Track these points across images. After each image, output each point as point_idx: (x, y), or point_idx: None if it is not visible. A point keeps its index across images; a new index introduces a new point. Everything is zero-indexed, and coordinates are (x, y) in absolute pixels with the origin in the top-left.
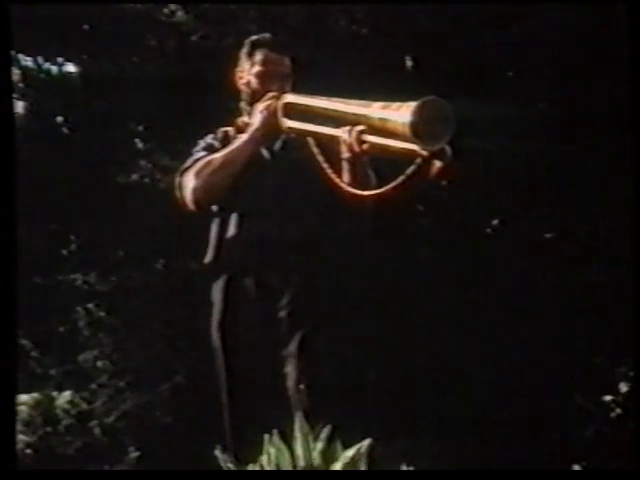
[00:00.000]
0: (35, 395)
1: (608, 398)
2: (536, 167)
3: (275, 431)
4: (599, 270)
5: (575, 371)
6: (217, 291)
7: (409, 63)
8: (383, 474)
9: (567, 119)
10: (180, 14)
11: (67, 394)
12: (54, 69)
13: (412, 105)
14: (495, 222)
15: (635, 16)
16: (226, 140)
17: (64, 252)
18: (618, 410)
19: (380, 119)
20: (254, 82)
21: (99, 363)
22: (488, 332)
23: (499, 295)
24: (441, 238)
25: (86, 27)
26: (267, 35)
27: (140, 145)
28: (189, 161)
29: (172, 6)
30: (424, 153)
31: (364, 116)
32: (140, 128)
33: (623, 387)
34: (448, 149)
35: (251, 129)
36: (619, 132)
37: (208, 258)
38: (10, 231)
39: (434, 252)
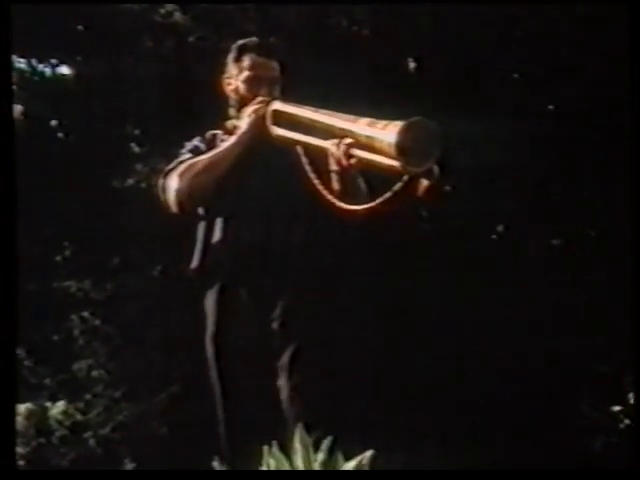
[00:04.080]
0: (28, 405)
1: (617, 408)
2: (542, 171)
3: (275, 442)
4: (608, 277)
5: (582, 381)
6: (210, 301)
7: (412, 65)
8: (383, 474)
9: (575, 123)
10: (177, 15)
11: (61, 404)
12: (48, 71)
13: (399, 125)
14: (500, 228)
15: (635, 16)
16: (213, 143)
17: (58, 258)
18: (627, 421)
19: (367, 136)
20: (242, 88)
21: (94, 372)
22: (493, 341)
23: (504, 302)
24: (445, 244)
25: (80, 28)
26: (254, 39)
27: (136, 149)
28: (173, 163)
29: (169, 7)
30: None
31: (350, 131)
32: (136, 132)
33: (632, 397)
34: (436, 168)
35: (238, 132)
36: (627, 136)
37: (194, 263)
38: (9, 239)
39: (437, 259)
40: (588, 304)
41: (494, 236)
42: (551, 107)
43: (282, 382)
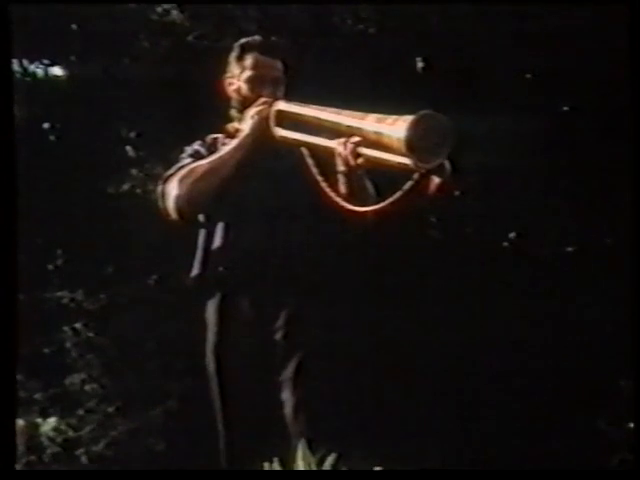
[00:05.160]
0: (18, 421)
1: (634, 425)
2: (555, 177)
3: (276, 459)
4: (626, 288)
5: (598, 395)
6: (211, 312)
7: (420, 64)
8: (387, 473)
9: (588, 128)
10: (174, 13)
11: (52, 420)
12: (40, 72)
13: (408, 119)
14: (512, 235)
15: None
16: (214, 147)
17: (50, 267)
18: None
19: (375, 132)
20: (244, 88)
21: (87, 387)
22: (506, 353)
23: (517, 313)
24: (454, 252)
25: (74, 27)
26: (257, 37)
27: (131, 153)
28: (173, 168)
29: (166, 5)
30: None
31: (358, 129)
32: (132, 135)
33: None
34: (447, 164)
35: (241, 135)
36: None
37: (195, 271)
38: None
39: (446, 266)
40: (605, 317)
41: (506, 243)
42: (566, 108)
43: (286, 396)
